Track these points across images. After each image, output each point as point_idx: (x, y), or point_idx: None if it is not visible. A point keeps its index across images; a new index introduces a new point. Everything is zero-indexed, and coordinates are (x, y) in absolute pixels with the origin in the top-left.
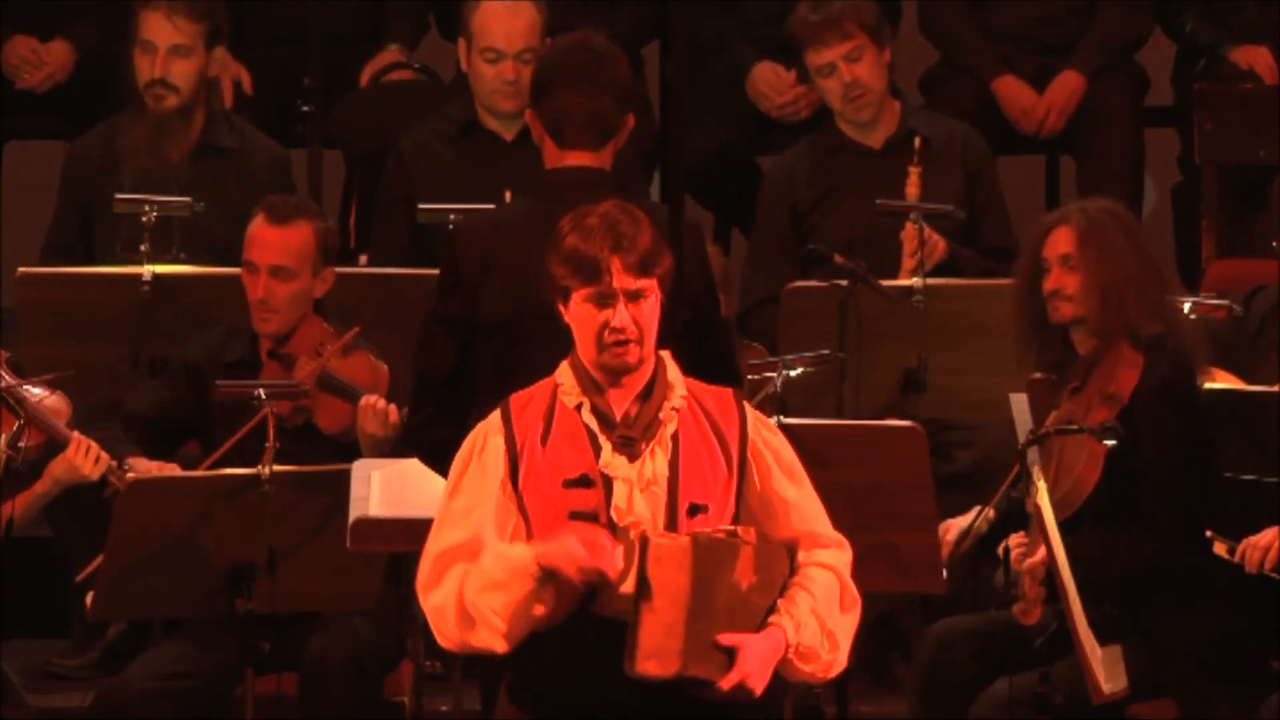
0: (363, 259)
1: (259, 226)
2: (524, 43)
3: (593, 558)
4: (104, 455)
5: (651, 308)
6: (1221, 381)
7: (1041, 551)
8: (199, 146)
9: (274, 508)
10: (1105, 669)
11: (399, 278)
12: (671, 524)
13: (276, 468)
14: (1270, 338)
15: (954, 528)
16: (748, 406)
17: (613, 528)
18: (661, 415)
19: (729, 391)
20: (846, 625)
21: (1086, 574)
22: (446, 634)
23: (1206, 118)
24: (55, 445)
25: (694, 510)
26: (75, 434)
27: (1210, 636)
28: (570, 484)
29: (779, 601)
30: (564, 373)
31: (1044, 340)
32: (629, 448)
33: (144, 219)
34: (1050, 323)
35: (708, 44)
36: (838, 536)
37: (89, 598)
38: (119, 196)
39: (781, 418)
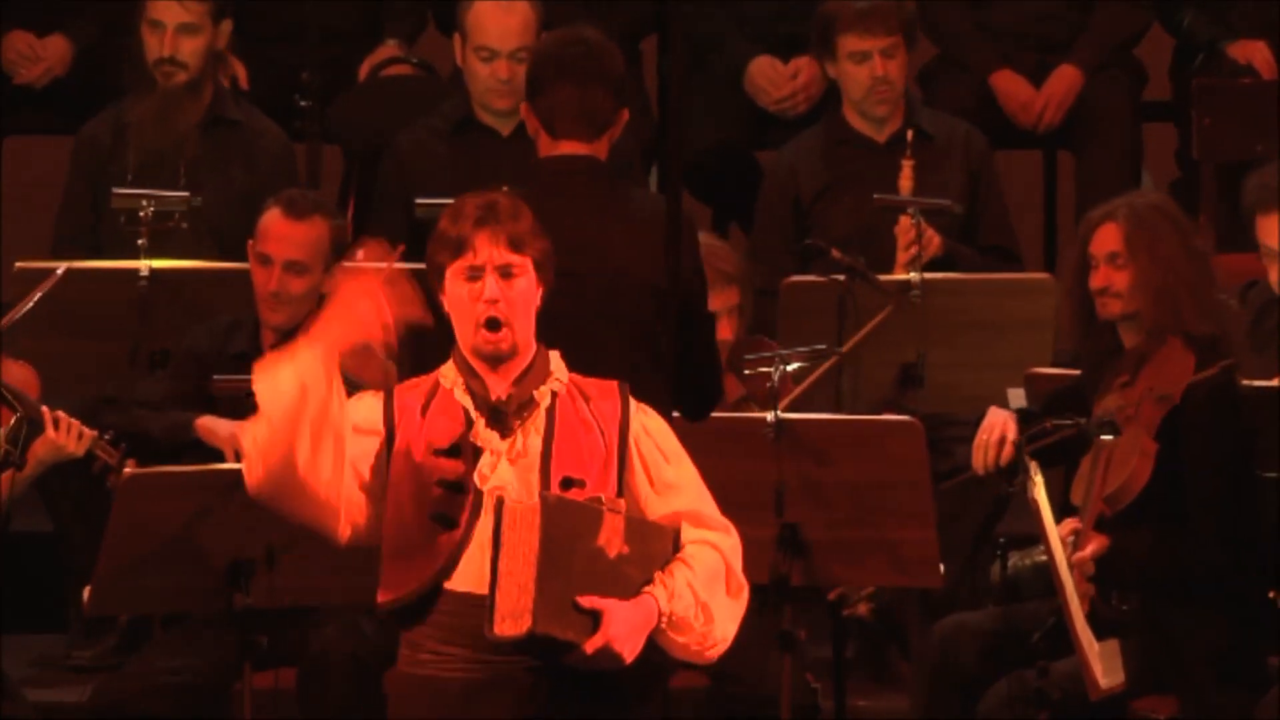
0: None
1: (275, 220)
2: (518, 41)
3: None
4: (86, 430)
5: (524, 288)
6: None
7: (1090, 546)
8: (208, 119)
9: None
10: (1103, 664)
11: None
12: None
13: None
14: (1267, 331)
15: (1010, 422)
16: (632, 398)
17: (477, 495)
18: (536, 395)
19: (612, 383)
20: (731, 608)
21: (1126, 576)
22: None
23: (1204, 113)
24: (32, 424)
25: (568, 484)
26: (45, 411)
27: (1212, 633)
28: (440, 453)
29: (656, 574)
30: (447, 364)
31: (1089, 330)
32: (501, 424)
33: (141, 214)
34: (1098, 318)
35: (705, 39)
36: (724, 521)
37: (86, 593)
38: (117, 191)
39: (779, 412)
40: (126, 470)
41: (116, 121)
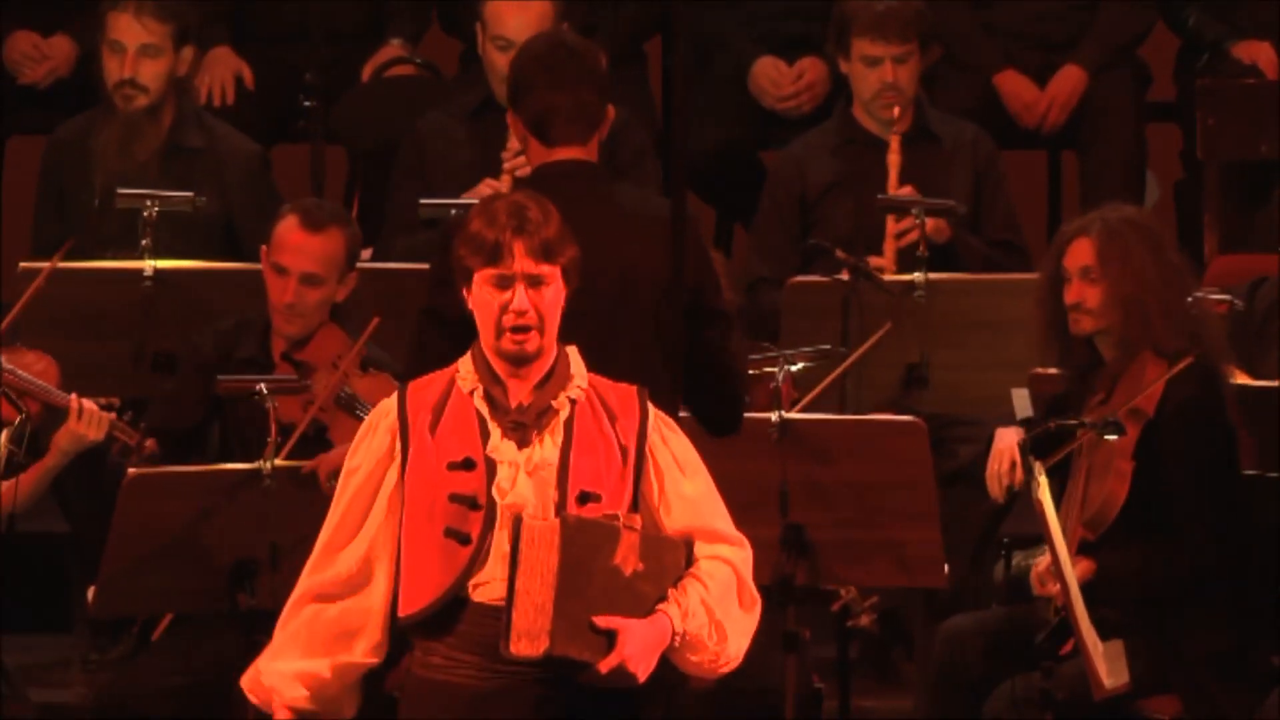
0: (366, 253)
1: (292, 230)
2: (535, 32)
3: None
4: (104, 414)
5: (553, 296)
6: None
7: (1077, 571)
8: (166, 146)
9: (276, 503)
10: (1107, 664)
11: (402, 272)
12: (562, 510)
13: (279, 462)
14: (1273, 331)
15: (1015, 446)
16: (650, 405)
17: (492, 508)
18: (555, 403)
19: (632, 388)
20: (744, 623)
21: (1122, 593)
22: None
23: (1209, 113)
24: (54, 412)
25: (585, 498)
26: (72, 399)
27: (1214, 633)
28: (454, 466)
29: (670, 591)
30: (465, 361)
31: (1067, 346)
32: (518, 433)
33: (146, 214)
34: (1071, 334)
35: (710, 39)
36: (738, 535)
37: (90, 593)
38: (121, 191)
39: (783, 413)
40: (148, 445)
41: (83, 139)
